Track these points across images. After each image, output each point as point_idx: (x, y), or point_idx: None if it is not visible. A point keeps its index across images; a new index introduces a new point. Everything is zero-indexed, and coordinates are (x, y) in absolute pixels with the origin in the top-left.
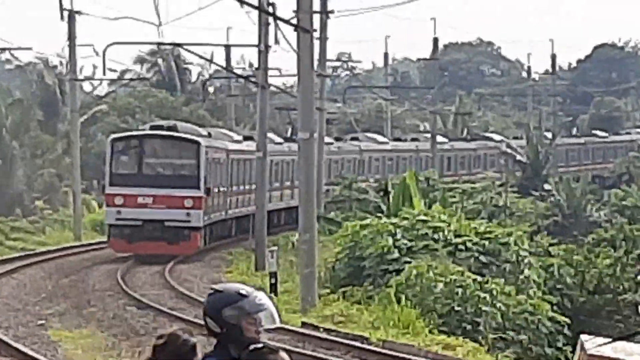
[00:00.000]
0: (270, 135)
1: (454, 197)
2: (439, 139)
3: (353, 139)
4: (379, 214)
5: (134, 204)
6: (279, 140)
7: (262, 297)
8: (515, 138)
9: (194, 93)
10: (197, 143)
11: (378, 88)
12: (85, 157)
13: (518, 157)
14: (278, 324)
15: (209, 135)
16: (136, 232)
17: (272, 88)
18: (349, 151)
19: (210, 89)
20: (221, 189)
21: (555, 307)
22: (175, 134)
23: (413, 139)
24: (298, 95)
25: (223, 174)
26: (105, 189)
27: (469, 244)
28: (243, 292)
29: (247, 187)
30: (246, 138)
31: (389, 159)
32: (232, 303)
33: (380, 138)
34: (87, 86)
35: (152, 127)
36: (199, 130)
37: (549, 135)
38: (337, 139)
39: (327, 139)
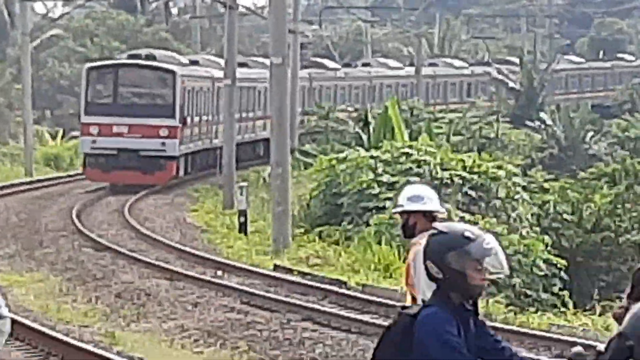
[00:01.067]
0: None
1: (441, 127)
2: (458, 63)
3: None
4: (359, 147)
5: (109, 133)
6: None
7: (490, 241)
8: (508, 62)
9: (156, 14)
10: (173, 72)
11: (357, 8)
12: (37, 84)
13: (510, 85)
14: (506, 272)
15: (195, 62)
16: (111, 161)
17: (241, 9)
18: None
19: (174, 10)
20: (204, 118)
21: (550, 248)
22: (151, 63)
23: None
24: (269, 17)
25: (207, 103)
26: (80, 118)
27: (456, 179)
28: (469, 234)
29: (244, 114)
30: (241, 65)
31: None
32: (457, 247)
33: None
34: (39, 8)
35: (130, 56)
36: (180, 59)
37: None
38: (346, 65)
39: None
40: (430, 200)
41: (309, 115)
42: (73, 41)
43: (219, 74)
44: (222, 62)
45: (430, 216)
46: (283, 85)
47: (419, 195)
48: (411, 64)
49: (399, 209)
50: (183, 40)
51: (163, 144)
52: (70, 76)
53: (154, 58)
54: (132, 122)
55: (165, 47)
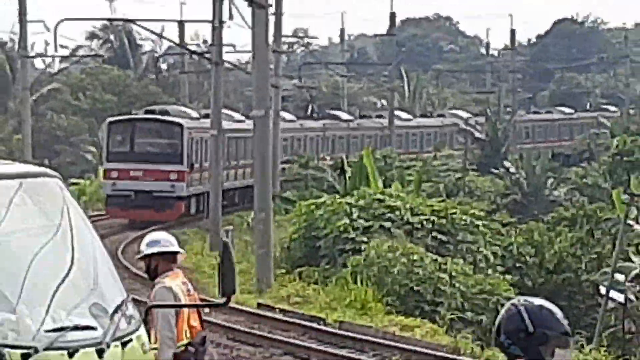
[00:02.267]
0: (228, 112)
1: (411, 175)
2: (404, 115)
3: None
4: (335, 193)
5: (127, 177)
6: (239, 117)
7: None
8: (476, 115)
9: (146, 70)
10: (181, 125)
11: (334, 64)
12: (36, 135)
13: (477, 135)
14: None
15: (207, 116)
16: (129, 201)
17: (226, 64)
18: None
19: (164, 66)
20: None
21: (514, 287)
22: (162, 117)
23: (378, 116)
24: (253, 72)
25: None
26: (103, 164)
27: (426, 223)
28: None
29: (236, 162)
30: (248, 117)
31: (353, 136)
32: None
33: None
34: (39, 64)
35: (146, 112)
36: (190, 113)
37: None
38: (362, 117)
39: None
40: (169, 243)
41: (291, 164)
42: (70, 95)
43: (228, 125)
44: (235, 115)
45: (171, 258)
46: (265, 135)
47: (156, 240)
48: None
49: (139, 255)
50: (172, 94)
51: (173, 186)
52: (66, 127)
53: (167, 113)
54: (146, 168)
55: (155, 101)
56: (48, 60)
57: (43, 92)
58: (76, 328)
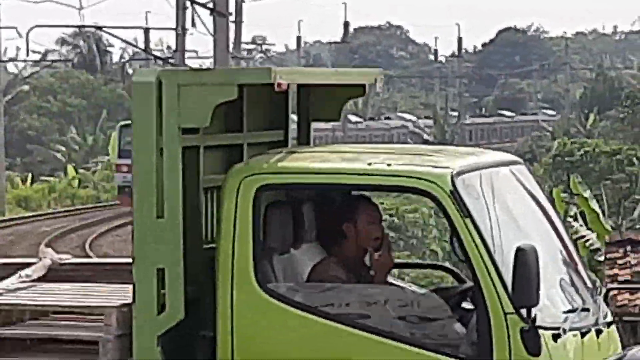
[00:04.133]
0: None
1: None
2: (353, 118)
3: None
4: None
5: None
6: None
7: None
8: (425, 118)
9: (114, 74)
10: None
11: None
12: (8, 135)
13: (425, 137)
14: None
15: None
16: None
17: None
18: None
19: (130, 71)
20: None
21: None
22: None
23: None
24: None
25: None
26: (115, 160)
27: None
28: None
29: None
30: None
31: None
32: None
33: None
34: (12, 68)
35: None
36: None
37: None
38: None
39: None
40: None
41: None
42: (39, 97)
43: None
44: None
45: None
46: None
47: None
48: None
49: None
50: None
51: None
52: (38, 128)
53: None
54: None
55: (122, 104)
56: (20, 65)
57: (14, 94)
58: (583, 310)
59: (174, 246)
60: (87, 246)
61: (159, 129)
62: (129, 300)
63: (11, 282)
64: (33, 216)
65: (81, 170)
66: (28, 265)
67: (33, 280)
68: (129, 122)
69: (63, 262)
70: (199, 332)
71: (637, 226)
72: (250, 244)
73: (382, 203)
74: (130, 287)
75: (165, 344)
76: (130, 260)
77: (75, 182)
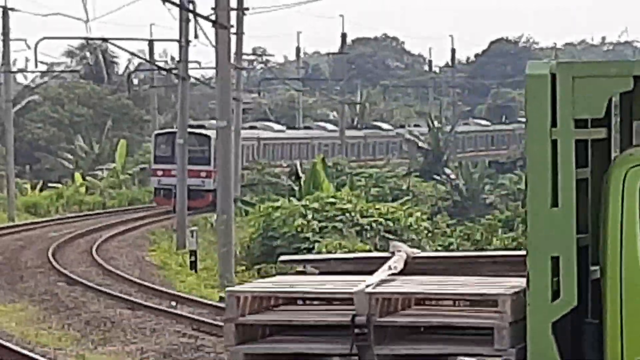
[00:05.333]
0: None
1: (360, 181)
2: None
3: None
4: (291, 197)
5: (169, 175)
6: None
7: None
8: (417, 126)
9: (120, 84)
10: (208, 137)
11: (291, 80)
12: (18, 144)
13: (420, 144)
14: None
15: (253, 127)
16: (169, 193)
17: (192, 80)
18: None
19: (135, 81)
20: None
21: None
22: (195, 130)
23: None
24: (216, 87)
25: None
26: (151, 165)
27: (374, 224)
28: None
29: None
30: (289, 128)
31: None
32: None
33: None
34: (21, 79)
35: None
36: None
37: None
38: (290, 128)
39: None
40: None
41: (249, 170)
42: (48, 107)
43: (264, 134)
44: (275, 126)
45: None
46: (228, 144)
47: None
48: (353, 127)
49: None
50: (142, 107)
51: (203, 181)
52: (46, 137)
53: (202, 127)
54: None
55: (127, 113)
56: (29, 75)
57: (24, 104)
58: None
59: (567, 234)
60: (94, 251)
61: (553, 121)
62: (519, 289)
63: (383, 273)
64: (42, 222)
65: (88, 177)
66: (384, 259)
67: (394, 274)
68: (163, 131)
69: (415, 255)
70: (585, 320)
71: None
72: (637, 230)
73: (379, 209)
74: (488, 278)
75: (557, 330)
76: (477, 253)
77: (83, 189)
